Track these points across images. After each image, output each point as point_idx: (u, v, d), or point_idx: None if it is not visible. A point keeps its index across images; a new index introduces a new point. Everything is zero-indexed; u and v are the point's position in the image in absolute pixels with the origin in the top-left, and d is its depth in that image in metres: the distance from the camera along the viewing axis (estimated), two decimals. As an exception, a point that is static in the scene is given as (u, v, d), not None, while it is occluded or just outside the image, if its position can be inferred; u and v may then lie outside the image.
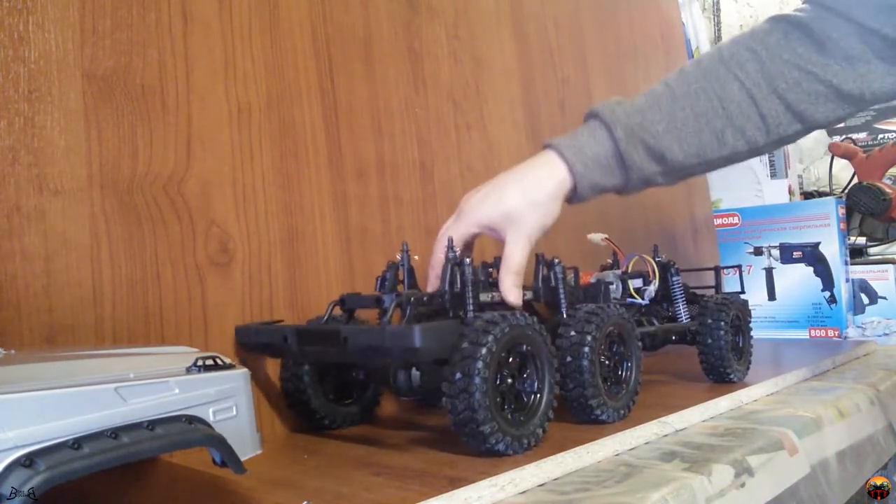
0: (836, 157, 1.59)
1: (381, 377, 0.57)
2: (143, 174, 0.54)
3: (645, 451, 0.49)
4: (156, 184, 0.55)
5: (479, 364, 0.45)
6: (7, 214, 0.47)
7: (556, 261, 0.61)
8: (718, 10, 2.02)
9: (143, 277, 0.53)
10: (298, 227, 0.64)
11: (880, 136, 1.81)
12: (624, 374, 0.59)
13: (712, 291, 0.81)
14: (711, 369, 0.72)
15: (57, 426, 0.29)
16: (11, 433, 0.27)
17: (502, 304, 0.58)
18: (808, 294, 1.17)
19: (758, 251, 1.21)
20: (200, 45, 0.59)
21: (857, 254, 1.45)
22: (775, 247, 1.19)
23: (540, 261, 0.62)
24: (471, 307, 0.54)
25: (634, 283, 0.69)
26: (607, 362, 0.57)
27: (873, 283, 1.21)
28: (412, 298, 0.51)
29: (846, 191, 1.44)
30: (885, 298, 1.20)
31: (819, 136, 1.76)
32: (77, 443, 0.29)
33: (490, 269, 0.61)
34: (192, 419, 0.34)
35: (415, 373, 0.51)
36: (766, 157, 1.50)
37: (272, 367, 0.60)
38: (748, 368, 0.76)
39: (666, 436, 0.54)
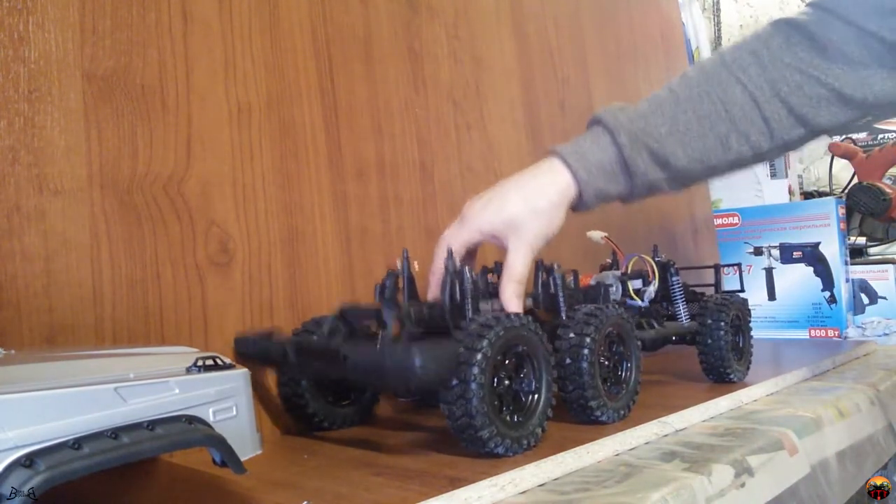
0: (836, 157, 1.59)
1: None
2: (143, 174, 0.54)
3: (645, 451, 0.49)
4: (156, 184, 0.55)
5: (476, 370, 0.44)
6: (7, 214, 0.47)
7: (556, 266, 0.61)
8: (718, 10, 2.02)
9: (143, 277, 0.53)
10: (298, 227, 0.64)
11: (880, 136, 1.81)
12: (623, 374, 0.59)
13: (712, 290, 0.81)
14: (711, 369, 0.72)
15: (57, 426, 0.29)
16: (11, 433, 0.27)
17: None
18: (808, 294, 1.17)
19: (758, 251, 1.21)
20: (200, 45, 0.59)
21: (857, 254, 1.45)
22: (775, 247, 1.19)
23: (539, 266, 0.62)
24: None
25: (634, 285, 0.69)
26: (607, 363, 0.57)
27: (873, 283, 1.21)
28: (412, 313, 0.51)
29: (846, 191, 1.44)
30: (885, 298, 1.20)
31: (819, 135, 1.76)
32: (77, 443, 0.29)
33: (490, 275, 0.61)
34: (192, 419, 0.34)
35: None
36: (766, 158, 1.50)
37: (271, 368, 0.60)
38: (748, 368, 0.76)
39: (666, 436, 0.54)
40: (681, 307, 0.74)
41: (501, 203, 0.61)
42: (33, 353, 0.40)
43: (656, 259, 0.74)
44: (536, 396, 0.50)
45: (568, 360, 0.53)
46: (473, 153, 0.86)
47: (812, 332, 1.17)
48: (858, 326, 1.16)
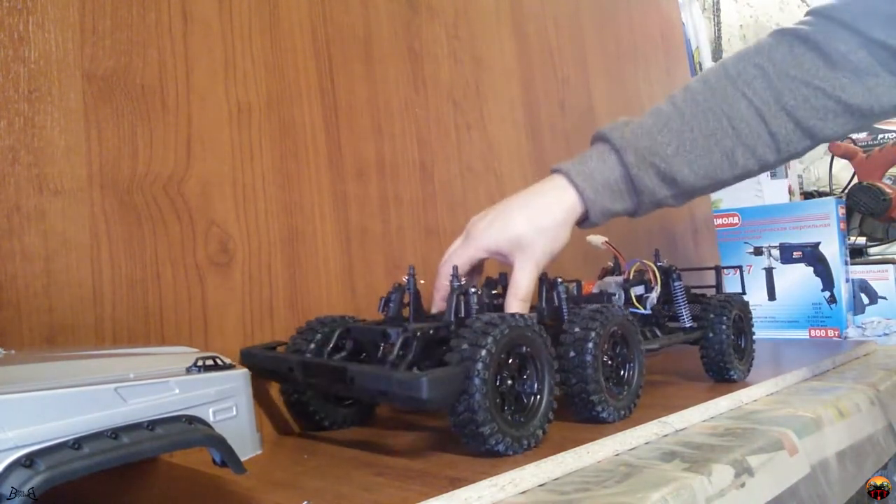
0: (836, 157, 1.59)
1: None
2: (143, 174, 0.54)
3: (645, 451, 0.49)
4: (156, 184, 0.55)
5: (479, 365, 0.45)
6: (7, 214, 0.47)
7: (559, 280, 0.61)
8: (718, 10, 2.02)
9: (143, 277, 0.53)
10: (298, 227, 0.64)
11: (880, 136, 1.81)
12: (626, 375, 0.59)
13: (712, 291, 0.81)
14: (712, 365, 0.72)
15: (57, 426, 0.29)
16: (11, 433, 0.27)
17: None
18: (808, 294, 1.17)
19: (758, 251, 1.21)
20: (200, 45, 0.59)
21: (857, 254, 1.45)
22: (775, 247, 1.19)
23: (543, 281, 0.62)
24: None
25: (636, 291, 0.69)
26: (610, 362, 0.57)
27: (873, 283, 1.21)
28: (418, 333, 0.51)
29: (846, 191, 1.44)
30: (885, 298, 1.20)
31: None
32: (77, 443, 0.29)
33: (494, 289, 0.61)
34: (192, 419, 0.34)
35: None
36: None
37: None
38: (749, 369, 0.75)
39: (666, 436, 0.54)
40: (683, 311, 0.74)
41: (506, 221, 0.61)
42: (33, 353, 0.40)
43: (658, 264, 0.73)
44: (538, 398, 0.50)
45: (572, 353, 0.53)
46: (473, 153, 0.86)
47: (812, 332, 1.17)
48: (858, 326, 1.16)
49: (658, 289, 0.70)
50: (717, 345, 0.71)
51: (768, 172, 1.53)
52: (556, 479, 0.43)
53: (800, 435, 0.54)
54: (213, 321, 0.57)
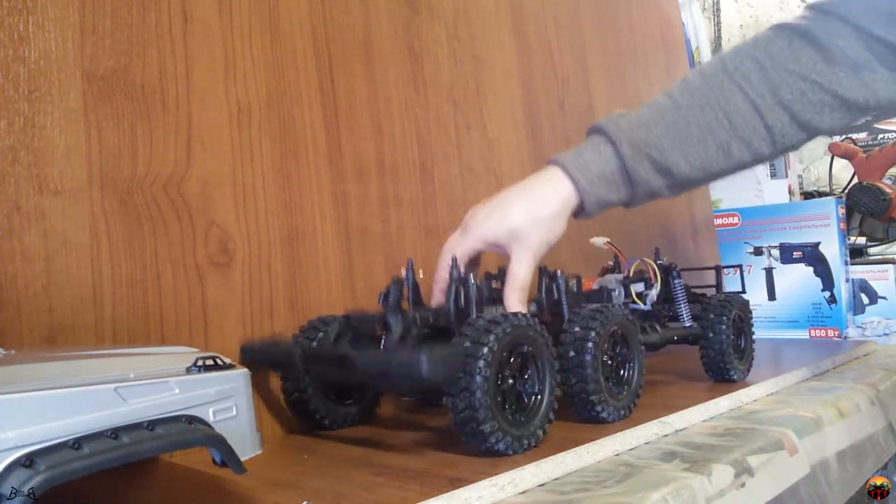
0: (836, 157, 1.59)
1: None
2: (143, 174, 0.54)
3: (645, 451, 0.49)
4: (156, 184, 0.55)
5: (481, 363, 0.45)
6: (7, 214, 0.47)
7: (559, 273, 0.61)
8: (718, 10, 2.02)
9: (143, 277, 0.53)
10: (298, 227, 0.64)
11: (880, 136, 1.81)
12: (626, 374, 0.59)
13: (712, 291, 0.81)
14: (712, 365, 0.72)
15: (57, 426, 0.29)
16: (11, 433, 0.27)
17: None
18: (808, 294, 1.17)
19: (758, 251, 1.21)
20: (200, 45, 0.59)
21: (857, 254, 1.45)
22: (775, 247, 1.19)
23: (543, 273, 0.62)
24: None
25: (636, 288, 0.69)
26: (610, 362, 0.57)
27: (873, 283, 1.21)
28: (418, 320, 0.51)
29: (846, 191, 1.44)
30: (885, 298, 1.20)
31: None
32: (77, 443, 0.29)
33: (493, 282, 0.61)
34: (192, 419, 0.34)
35: None
36: (766, 158, 1.50)
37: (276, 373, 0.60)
38: (749, 369, 0.75)
39: (666, 436, 0.54)
40: (683, 309, 0.74)
41: (504, 213, 0.61)
42: (33, 353, 0.40)
43: (658, 262, 0.74)
44: (539, 398, 0.50)
45: (572, 353, 0.53)
46: (473, 153, 0.86)
47: (812, 332, 1.17)
48: (858, 326, 1.16)
49: (658, 286, 0.70)
50: (716, 345, 0.71)
51: (768, 172, 1.53)
52: (556, 479, 0.43)
53: (800, 435, 0.54)
54: (213, 321, 0.57)
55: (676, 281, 0.75)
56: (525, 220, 0.61)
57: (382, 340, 0.54)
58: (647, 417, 0.55)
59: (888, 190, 1.30)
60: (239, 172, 0.60)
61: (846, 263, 1.18)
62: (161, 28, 0.56)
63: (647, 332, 0.69)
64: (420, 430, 0.59)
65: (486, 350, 0.45)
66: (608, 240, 0.74)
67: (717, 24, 2.01)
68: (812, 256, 1.16)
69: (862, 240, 1.51)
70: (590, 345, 0.53)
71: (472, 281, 0.55)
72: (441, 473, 0.44)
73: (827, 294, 1.15)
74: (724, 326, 0.71)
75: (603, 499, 0.39)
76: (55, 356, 0.37)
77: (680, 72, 1.41)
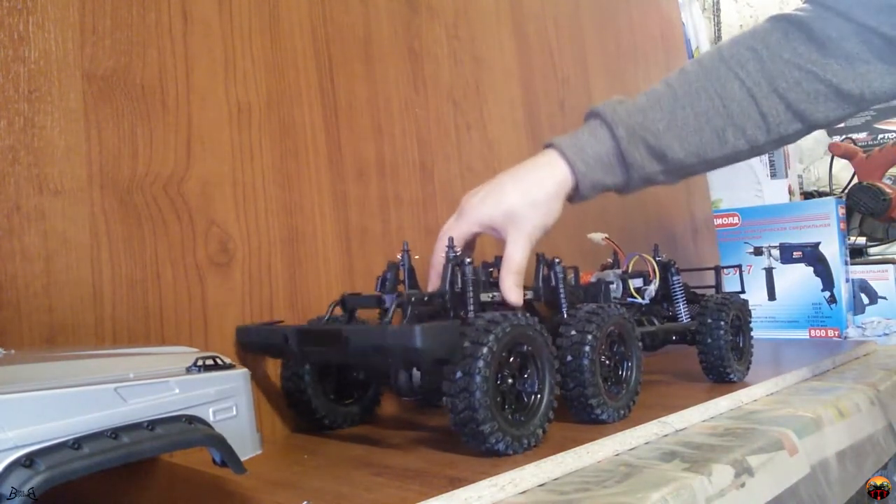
0: (836, 157, 1.59)
1: (382, 377, 0.57)
2: (143, 174, 0.54)
3: (645, 451, 0.49)
4: (156, 184, 0.55)
5: (480, 363, 0.45)
6: (7, 214, 0.47)
7: (557, 260, 0.61)
8: (718, 10, 2.02)
9: (143, 277, 0.53)
10: (298, 227, 0.64)
11: (880, 136, 1.81)
12: (624, 373, 0.59)
13: (712, 291, 0.81)
14: (711, 369, 0.72)
15: (57, 426, 0.29)
16: (11, 433, 0.27)
17: (503, 304, 0.58)
18: (808, 294, 1.17)
19: (758, 251, 1.21)
20: (200, 45, 0.59)
21: (857, 254, 1.45)
22: (775, 247, 1.19)
23: (540, 260, 0.62)
24: (472, 307, 0.54)
25: (635, 283, 0.69)
26: (608, 362, 0.57)
27: (873, 283, 1.21)
28: (413, 298, 0.51)
29: (846, 191, 1.44)
30: (885, 298, 1.20)
31: (819, 136, 1.76)
32: (77, 443, 0.29)
33: (491, 269, 0.61)
34: (192, 419, 0.34)
35: (416, 373, 0.51)
36: (766, 157, 1.50)
37: (272, 367, 0.60)
38: (748, 368, 0.76)
39: (666, 436, 0.54)
40: (681, 307, 0.74)
41: (499, 195, 0.62)
42: (33, 353, 0.40)
43: (657, 258, 0.74)
44: (539, 397, 0.50)
45: (569, 358, 0.53)
46: (473, 153, 0.86)
47: (812, 332, 1.17)
48: (858, 326, 1.16)
49: (656, 282, 0.70)
50: (715, 350, 0.71)
51: (768, 173, 1.53)
52: (556, 479, 0.43)
53: (800, 435, 0.54)
54: (213, 321, 0.57)
55: (675, 278, 0.75)
56: (521, 202, 0.60)
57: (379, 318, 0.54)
58: (646, 417, 0.55)
59: (888, 190, 1.30)
60: (239, 172, 0.60)
61: (846, 263, 1.18)
62: (161, 28, 0.56)
63: (645, 325, 0.69)
64: (420, 429, 0.59)
65: (485, 350, 0.45)
66: (606, 235, 0.74)
67: (717, 24, 2.01)
68: (812, 256, 1.16)
69: (862, 240, 1.51)
70: (587, 349, 0.53)
71: (469, 262, 0.55)
72: (441, 473, 0.44)
73: (827, 294, 1.15)
74: (721, 331, 0.71)
75: (603, 499, 0.39)
76: (55, 356, 0.37)
77: (680, 72, 1.40)
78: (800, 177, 1.72)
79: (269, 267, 0.61)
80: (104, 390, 0.31)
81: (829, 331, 1.15)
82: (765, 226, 1.22)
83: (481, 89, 0.88)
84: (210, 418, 0.35)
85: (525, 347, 0.49)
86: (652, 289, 0.69)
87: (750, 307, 0.78)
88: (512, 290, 0.58)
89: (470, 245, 0.64)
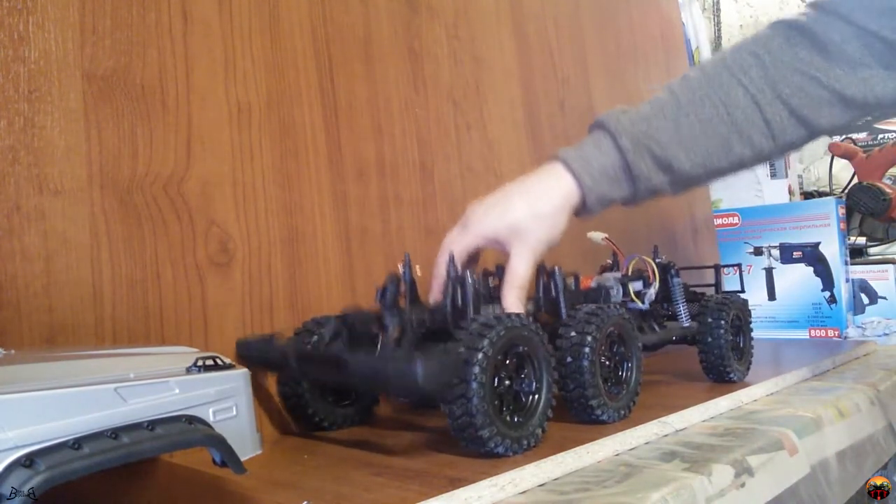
0: (836, 157, 1.59)
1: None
2: (143, 174, 0.54)
3: (645, 451, 0.49)
4: (156, 184, 0.55)
5: (476, 369, 0.44)
6: (7, 214, 0.47)
7: (557, 269, 0.61)
8: (718, 10, 2.02)
9: (143, 277, 0.53)
10: (298, 227, 0.64)
11: (880, 136, 1.81)
12: (624, 374, 0.59)
13: (712, 290, 0.81)
14: (711, 368, 0.72)
15: (57, 426, 0.29)
16: (11, 433, 0.27)
17: None
18: (808, 294, 1.17)
19: (758, 251, 1.21)
20: (200, 45, 0.59)
21: (857, 254, 1.45)
22: (775, 247, 1.19)
23: (541, 270, 0.62)
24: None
25: (634, 286, 0.69)
26: (608, 363, 0.57)
27: (873, 283, 1.21)
28: (414, 318, 0.50)
29: (846, 191, 1.44)
30: (885, 298, 1.20)
31: (819, 135, 1.76)
32: (77, 443, 0.29)
33: (491, 279, 0.61)
34: (192, 419, 0.34)
35: None
36: (766, 158, 1.50)
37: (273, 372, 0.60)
38: (748, 368, 0.75)
39: (666, 436, 0.54)
40: (681, 308, 0.74)
41: (505, 208, 0.61)
42: (33, 353, 0.40)
43: (657, 260, 0.73)
44: (537, 397, 0.50)
45: (569, 359, 0.53)
46: (473, 153, 0.86)
47: (812, 332, 1.17)
48: (858, 326, 1.16)
49: (656, 284, 0.70)
50: (715, 349, 0.71)
51: (768, 173, 1.53)
52: (556, 479, 0.43)
53: (800, 435, 0.54)
54: (213, 321, 0.57)
55: (675, 280, 0.75)
56: (526, 215, 0.60)
57: (379, 339, 0.54)
58: (646, 417, 0.55)
59: (888, 190, 1.30)
60: (239, 172, 0.60)
61: (846, 263, 1.18)
62: (161, 28, 0.56)
63: (646, 332, 0.69)
64: (420, 430, 0.59)
65: (481, 356, 0.45)
66: (606, 235, 0.73)
67: (717, 24, 2.01)
68: (812, 256, 1.16)
69: (862, 240, 1.51)
70: (586, 350, 0.53)
71: (470, 280, 0.55)
72: (441, 473, 0.44)
73: (827, 294, 1.15)
74: (722, 330, 0.71)
75: (603, 499, 0.39)
76: (55, 356, 0.37)
77: (680, 72, 1.40)
78: (800, 177, 1.72)
79: (269, 267, 0.61)
80: (104, 390, 0.31)
81: (829, 331, 1.15)
82: (765, 226, 1.22)
83: (481, 89, 0.88)
84: (210, 418, 0.35)
85: (521, 348, 0.49)
86: (652, 292, 0.69)
87: (750, 307, 0.78)
88: (514, 305, 0.57)
89: (473, 258, 0.64)
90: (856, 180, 1.41)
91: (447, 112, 0.83)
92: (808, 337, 1.17)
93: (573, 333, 0.54)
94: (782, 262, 1.19)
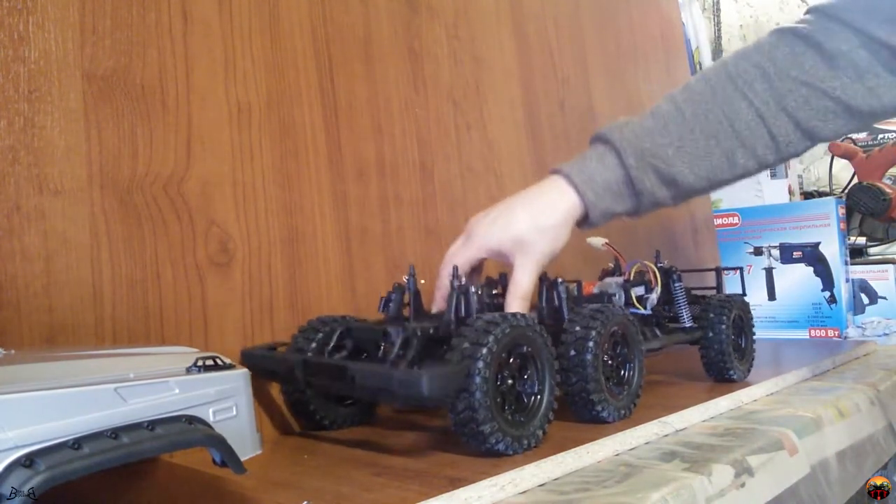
0: (836, 157, 1.59)
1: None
2: (143, 174, 0.54)
3: (645, 451, 0.49)
4: (156, 184, 0.55)
5: (480, 363, 0.45)
6: (7, 214, 0.47)
7: (560, 280, 0.61)
8: (718, 10, 2.02)
9: (143, 277, 0.53)
10: (298, 227, 0.64)
11: (880, 136, 1.81)
12: (626, 375, 0.59)
13: (713, 292, 0.81)
14: (712, 366, 0.72)
15: (57, 426, 0.29)
16: (11, 433, 0.27)
17: None
18: (808, 294, 1.17)
19: (758, 251, 1.21)
20: (200, 45, 0.59)
21: (857, 254, 1.45)
22: (775, 247, 1.19)
23: (543, 281, 0.62)
24: None
25: (637, 292, 0.69)
26: (610, 362, 0.57)
27: (873, 283, 1.21)
28: (419, 332, 0.51)
29: (846, 191, 1.44)
30: (885, 298, 1.20)
31: (819, 135, 1.76)
32: (77, 443, 0.29)
33: (494, 288, 0.61)
34: (192, 419, 0.34)
35: None
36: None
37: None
38: (750, 369, 0.75)
39: (666, 436, 0.54)
40: (684, 312, 0.74)
41: (508, 221, 0.61)
42: (33, 353, 0.40)
43: (658, 265, 0.73)
44: (539, 398, 0.50)
45: (573, 352, 0.53)
46: (473, 153, 0.86)
47: (812, 332, 1.17)
48: (858, 326, 1.16)
49: (658, 289, 0.70)
50: (716, 345, 0.71)
51: (768, 173, 1.53)
52: (556, 479, 0.43)
53: (800, 435, 0.54)
54: (213, 321, 0.57)
55: (677, 284, 0.74)
56: (529, 228, 0.60)
57: (382, 348, 0.54)
58: (647, 417, 0.55)
59: (888, 190, 1.30)
60: (239, 172, 0.60)
61: (846, 263, 1.18)
62: (161, 28, 0.56)
63: (648, 339, 0.68)
64: (420, 429, 0.59)
65: (485, 351, 0.45)
66: (606, 241, 0.74)
67: (717, 24, 2.01)
68: (812, 256, 1.16)
69: (862, 240, 1.51)
70: (590, 344, 0.53)
71: (473, 291, 0.55)
72: (441, 473, 0.44)
73: (827, 294, 1.15)
74: (723, 326, 0.71)
75: (603, 499, 0.39)
76: (55, 356, 0.37)
77: (680, 72, 1.41)
78: (800, 177, 1.72)
79: (269, 267, 0.61)
80: (104, 390, 0.31)
81: (829, 331, 1.15)
82: (765, 226, 1.22)
83: (481, 89, 0.88)
84: (210, 418, 0.35)
85: (525, 348, 0.49)
86: (654, 297, 0.69)
87: (750, 307, 0.78)
88: None
89: (477, 270, 0.64)
90: (856, 180, 1.41)
91: (447, 112, 0.83)
92: (808, 337, 1.17)
93: (578, 328, 0.54)
94: (782, 262, 1.19)
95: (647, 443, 0.52)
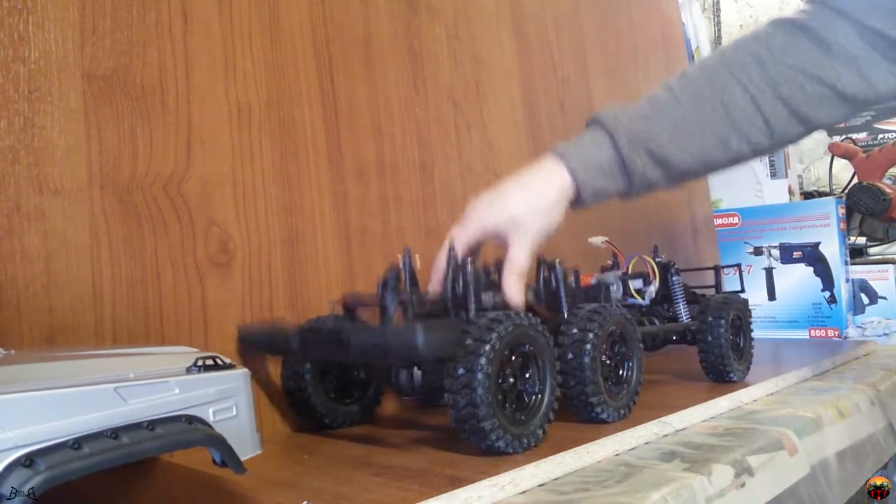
0: (836, 157, 1.59)
1: (383, 376, 0.57)
2: (143, 174, 0.54)
3: (645, 451, 0.49)
4: (156, 184, 0.55)
5: (483, 360, 0.45)
6: (7, 214, 0.47)
7: (558, 262, 0.61)
8: (718, 10, 2.02)
9: (143, 277, 0.53)
10: (298, 227, 0.64)
11: (880, 136, 1.81)
12: (625, 374, 0.59)
13: (712, 291, 0.81)
14: (711, 368, 0.72)
15: (57, 426, 0.29)
16: (11, 433, 0.27)
17: (504, 305, 0.58)
18: (808, 294, 1.17)
19: (758, 251, 1.21)
20: (200, 45, 0.59)
21: (857, 254, 1.45)
22: (775, 247, 1.19)
23: (541, 262, 0.62)
24: (473, 308, 0.54)
25: (635, 284, 0.69)
26: (609, 362, 0.57)
27: (873, 283, 1.21)
28: (414, 298, 0.51)
29: (846, 191, 1.44)
30: (885, 298, 1.20)
31: (819, 136, 1.76)
32: (77, 443, 0.29)
33: (490, 272, 0.61)
34: (192, 419, 0.34)
35: (416, 372, 0.51)
36: (766, 158, 1.50)
37: (273, 367, 0.60)
38: (748, 369, 0.75)
39: (666, 436, 0.54)
40: (681, 307, 0.74)
41: (503, 202, 0.62)
42: (33, 353, 0.40)
43: (657, 259, 0.74)
44: (540, 397, 0.50)
45: (570, 356, 0.53)
46: (473, 153, 0.86)
47: (812, 332, 1.17)
48: (858, 326, 1.16)
49: (656, 283, 0.70)
50: (715, 349, 0.71)
51: (768, 173, 1.53)
52: (555, 479, 0.43)
53: (800, 435, 0.54)
54: (213, 321, 0.57)
55: (675, 279, 0.75)
56: (524, 208, 0.61)
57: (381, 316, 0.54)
58: (646, 417, 0.55)
59: (888, 190, 1.30)
60: (239, 172, 0.60)
61: (846, 263, 1.18)
62: (161, 28, 0.56)
63: (646, 325, 0.69)
64: (420, 429, 0.59)
65: (488, 347, 0.45)
66: (606, 239, 0.74)
67: (717, 24, 2.01)
68: (812, 256, 1.16)
69: (862, 240, 1.51)
70: (588, 346, 0.53)
71: (470, 267, 0.55)
72: (441, 473, 0.44)
73: (827, 294, 1.15)
74: (722, 329, 0.71)
75: (603, 499, 0.39)
76: (55, 356, 0.37)
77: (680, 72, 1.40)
78: (800, 177, 1.72)
79: (269, 267, 0.61)
80: (104, 390, 0.31)
81: (829, 331, 1.15)
82: (765, 226, 1.22)
83: (481, 89, 0.88)
84: (210, 418, 0.35)
85: (527, 347, 0.49)
86: (652, 290, 0.69)
87: (750, 307, 0.78)
88: (514, 290, 0.58)
89: (475, 252, 0.65)
90: (856, 180, 1.41)
91: (447, 112, 0.83)
92: (808, 337, 1.17)
93: (575, 330, 0.54)
94: (782, 262, 1.19)
95: (647, 443, 0.52)
